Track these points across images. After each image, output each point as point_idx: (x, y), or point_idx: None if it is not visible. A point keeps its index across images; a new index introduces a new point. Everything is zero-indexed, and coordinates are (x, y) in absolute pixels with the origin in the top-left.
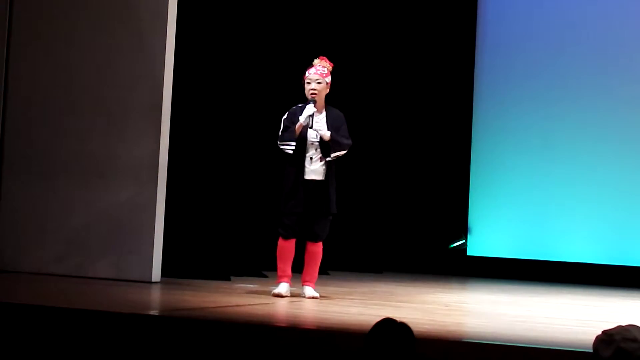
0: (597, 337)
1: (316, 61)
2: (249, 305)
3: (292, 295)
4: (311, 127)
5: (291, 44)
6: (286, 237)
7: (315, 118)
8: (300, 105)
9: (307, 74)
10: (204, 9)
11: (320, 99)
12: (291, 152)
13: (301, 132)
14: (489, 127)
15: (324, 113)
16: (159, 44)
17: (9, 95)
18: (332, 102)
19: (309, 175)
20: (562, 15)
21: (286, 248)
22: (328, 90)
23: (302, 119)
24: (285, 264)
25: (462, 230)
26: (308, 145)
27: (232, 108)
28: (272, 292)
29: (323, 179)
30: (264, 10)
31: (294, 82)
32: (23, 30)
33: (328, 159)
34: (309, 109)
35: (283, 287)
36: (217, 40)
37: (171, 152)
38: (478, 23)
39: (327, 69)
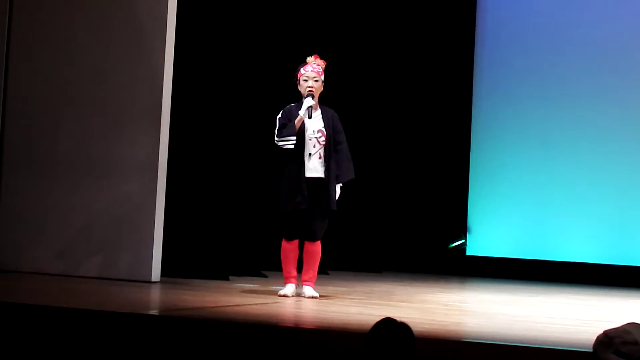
0: (598, 338)
1: (310, 59)
2: (248, 305)
3: (292, 295)
4: (310, 118)
5: (290, 43)
6: (289, 239)
7: (312, 112)
8: (293, 104)
9: (302, 71)
10: (203, 8)
11: (316, 97)
12: (292, 146)
13: (299, 127)
14: (488, 126)
15: (319, 111)
16: (158, 44)
17: (9, 95)
18: (333, 101)
19: (308, 173)
20: (561, 15)
21: (290, 249)
22: (322, 88)
23: (301, 112)
24: (290, 265)
25: (462, 230)
26: (307, 142)
27: (232, 108)
28: (279, 292)
29: (322, 176)
30: (263, 10)
31: (292, 81)
32: (23, 30)
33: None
34: (308, 101)
35: (290, 289)
36: (216, 40)
37: (171, 152)
38: (477, 22)
39: (322, 67)
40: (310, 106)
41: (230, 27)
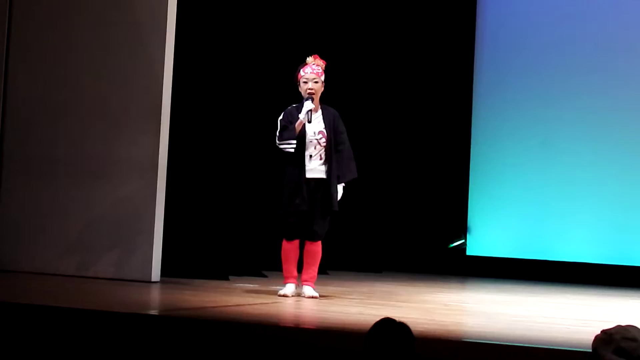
0: (597, 337)
1: (310, 59)
2: (248, 304)
3: (292, 295)
4: (309, 122)
5: (290, 42)
6: (290, 239)
7: (312, 116)
8: (295, 105)
9: (302, 72)
10: (203, 8)
11: (316, 98)
12: (292, 150)
13: (300, 130)
14: (488, 126)
15: (320, 111)
16: (158, 44)
17: (8, 95)
18: (332, 101)
19: (309, 174)
20: (561, 14)
21: (290, 249)
22: (323, 88)
23: (301, 116)
24: (290, 265)
25: (462, 230)
26: (307, 144)
27: (232, 108)
28: (279, 292)
29: (324, 177)
30: (263, 10)
31: (293, 82)
32: (22, 30)
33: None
34: (308, 105)
35: (290, 288)
36: (216, 40)
37: (171, 152)
38: (477, 22)
39: (322, 67)
40: (310, 110)
41: (230, 28)
